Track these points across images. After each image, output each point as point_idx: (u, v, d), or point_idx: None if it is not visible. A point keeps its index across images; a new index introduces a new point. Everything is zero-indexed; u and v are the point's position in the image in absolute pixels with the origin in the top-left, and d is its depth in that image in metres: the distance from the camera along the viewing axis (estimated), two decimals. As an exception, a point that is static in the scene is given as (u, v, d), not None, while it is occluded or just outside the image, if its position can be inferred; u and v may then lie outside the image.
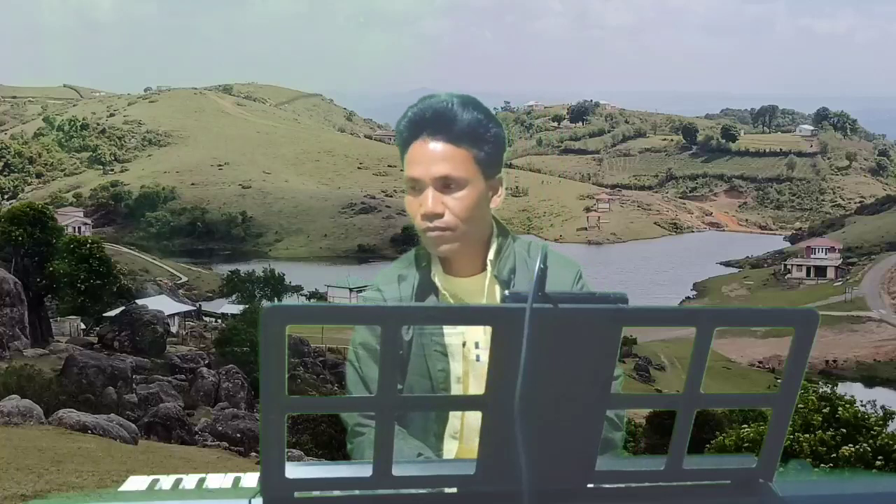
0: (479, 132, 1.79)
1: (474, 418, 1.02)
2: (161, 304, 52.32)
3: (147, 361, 34.75)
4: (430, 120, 1.77)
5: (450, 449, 1.87)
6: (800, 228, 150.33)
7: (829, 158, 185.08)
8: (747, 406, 1.32)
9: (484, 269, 1.89)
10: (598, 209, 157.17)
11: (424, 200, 1.78)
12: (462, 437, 1.87)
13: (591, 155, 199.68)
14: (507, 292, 0.98)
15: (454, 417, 1.88)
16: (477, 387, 1.82)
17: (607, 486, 1.05)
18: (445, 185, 1.78)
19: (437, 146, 1.77)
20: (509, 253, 1.89)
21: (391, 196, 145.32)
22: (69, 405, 18.45)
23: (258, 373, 0.94)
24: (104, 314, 41.47)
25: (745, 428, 16.10)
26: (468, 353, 1.86)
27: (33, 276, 38.58)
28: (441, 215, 1.78)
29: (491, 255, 1.88)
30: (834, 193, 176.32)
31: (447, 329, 1.85)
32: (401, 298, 1.85)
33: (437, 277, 1.88)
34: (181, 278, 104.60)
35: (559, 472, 1.01)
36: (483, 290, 1.87)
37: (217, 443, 21.51)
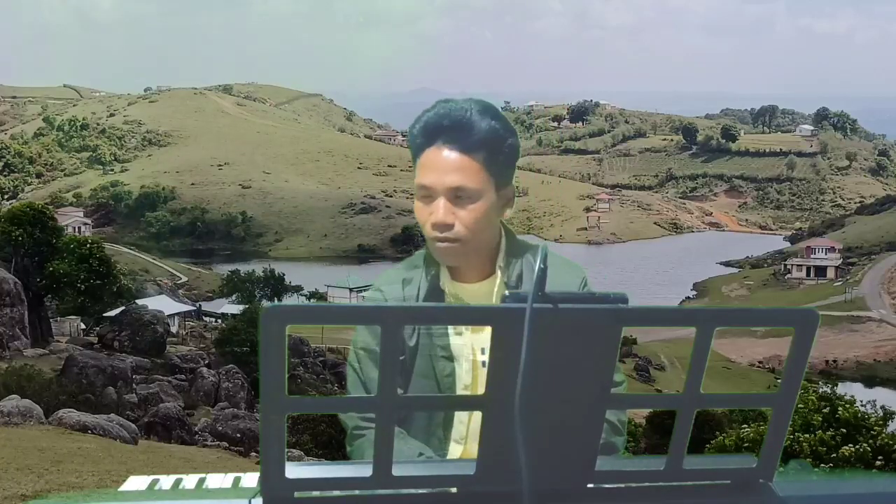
0: (496, 143, 1.73)
1: (479, 423, 1.01)
2: (161, 304, 52.38)
3: (147, 361, 34.75)
4: (446, 127, 1.72)
5: (453, 453, 1.84)
6: (800, 228, 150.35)
7: (829, 158, 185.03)
8: (747, 406, 1.31)
9: (492, 273, 1.86)
10: (598, 209, 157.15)
11: (436, 210, 1.74)
12: (467, 441, 1.83)
13: (591, 155, 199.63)
14: (506, 292, 0.97)
15: (459, 423, 1.84)
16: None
17: (607, 486, 1.05)
18: (458, 195, 1.73)
19: (451, 155, 1.71)
20: (518, 257, 1.86)
21: (391, 196, 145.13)
22: (69, 405, 18.44)
23: (258, 373, 0.94)
24: (104, 314, 41.45)
25: (745, 428, 16.13)
26: (475, 358, 1.83)
27: (33, 276, 38.57)
28: (451, 226, 1.74)
29: (500, 261, 1.85)
30: (834, 193, 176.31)
31: (453, 334, 1.83)
32: (404, 301, 1.81)
33: (445, 283, 1.85)
34: (181, 278, 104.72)
35: (559, 472, 1.01)
36: (492, 294, 1.84)
37: (217, 443, 21.50)
